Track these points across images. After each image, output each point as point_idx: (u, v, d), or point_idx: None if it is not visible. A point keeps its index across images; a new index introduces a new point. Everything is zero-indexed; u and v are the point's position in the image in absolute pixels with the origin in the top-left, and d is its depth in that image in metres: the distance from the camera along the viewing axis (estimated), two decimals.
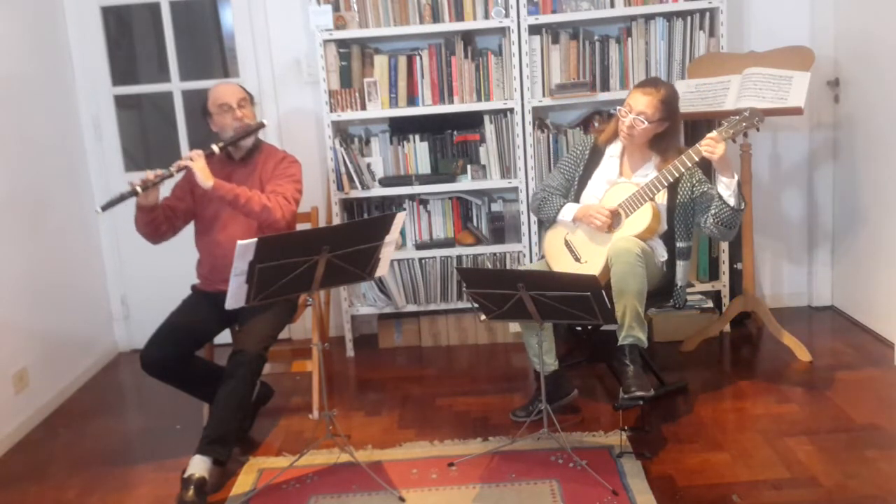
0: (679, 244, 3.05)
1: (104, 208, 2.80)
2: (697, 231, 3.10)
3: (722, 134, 2.88)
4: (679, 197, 3.01)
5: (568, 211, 3.11)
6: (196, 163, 2.87)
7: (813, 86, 3.44)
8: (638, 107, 2.95)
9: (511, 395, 3.39)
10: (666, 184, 2.92)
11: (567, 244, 3.10)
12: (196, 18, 4.53)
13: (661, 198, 3.00)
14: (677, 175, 2.91)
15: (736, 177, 2.90)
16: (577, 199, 3.16)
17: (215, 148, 2.97)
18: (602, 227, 2.98)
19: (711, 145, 2.82)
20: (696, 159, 2.88)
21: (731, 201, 2.89)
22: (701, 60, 3.71)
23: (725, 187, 2.89)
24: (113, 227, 4.22)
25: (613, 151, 3.12)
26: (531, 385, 3.50)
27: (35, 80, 3.75)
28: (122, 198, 2.82)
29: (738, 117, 2.92)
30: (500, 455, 2.86)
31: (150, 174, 2.88)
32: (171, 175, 2.90)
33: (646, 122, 2.94)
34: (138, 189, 2.84)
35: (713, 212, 2.93)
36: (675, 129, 3.04)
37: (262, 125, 3.10)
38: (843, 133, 4.00)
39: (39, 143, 3.74)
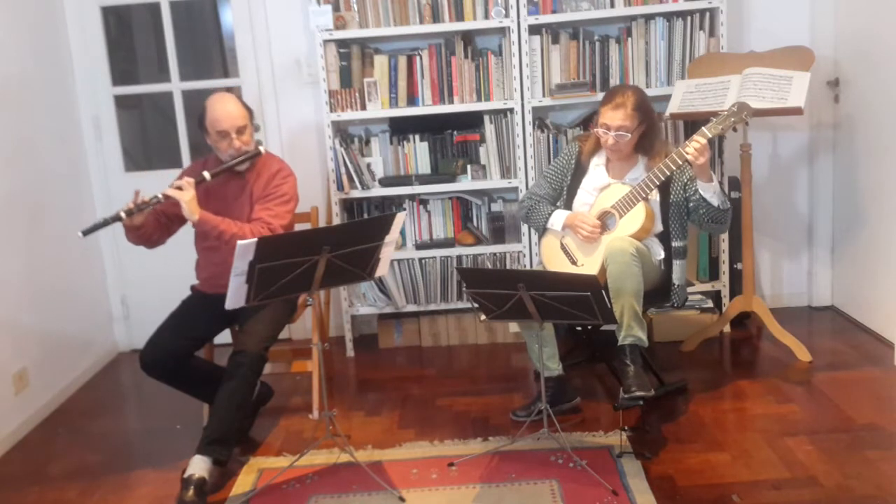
0: (675, 244, 3.05)
1: (86, 233, 2.77)
2: (692, 227, 3.10)
3: (711, 131, 2.88)
4: (672, 196, 3.02)
5: (557, 219, 3.11)
6: (185, 193, 2.81)
7: (813, 86, 3.44)
8: (615, 122, 2.94)
9: (511, 395, 3.39)
10: (658, 182, 2.93)
11: (563, 248, 3.11)
12: (196, 18, 4.54)
13: (654, 198, 3.00)
14: (668, 173, 2.91)
15: (714, 180, 2.91)
16: (567, 208, 3.16)
17: (207, 175, 2.91)
18: (589, 238, 2.99)
19: (695, 154, 2.81)
20: (685, 158, 2.88)
21: (714, 202, 2.91)
22: (701, 60, 3.71)
23: (705, 190, 2.90)
24: (113, 227, 4.21)
25: (599, 161, 3.13)
26: (531, 385, 3.50)
27: (35, 80, 3.75)
28: (105, 223, 2.79)
29: (725, 113, 2.92)
30: (500, 455, 2.86)
31: (136, 200, 2.83)
32: (158, 202, 2.85)
33: (628, 135, 2.95)
34: (122, 215, 2.80)
35: (702, 211, 2.95)
36: (653, 127, 3.03)
37: (258, 153, 3.02)
38: (842, 133, 4.00)
39: (39, 143, 3.74)
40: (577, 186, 3.14)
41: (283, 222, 2.99)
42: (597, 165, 3.12)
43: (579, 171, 3.16)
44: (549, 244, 3.17)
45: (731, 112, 2.90)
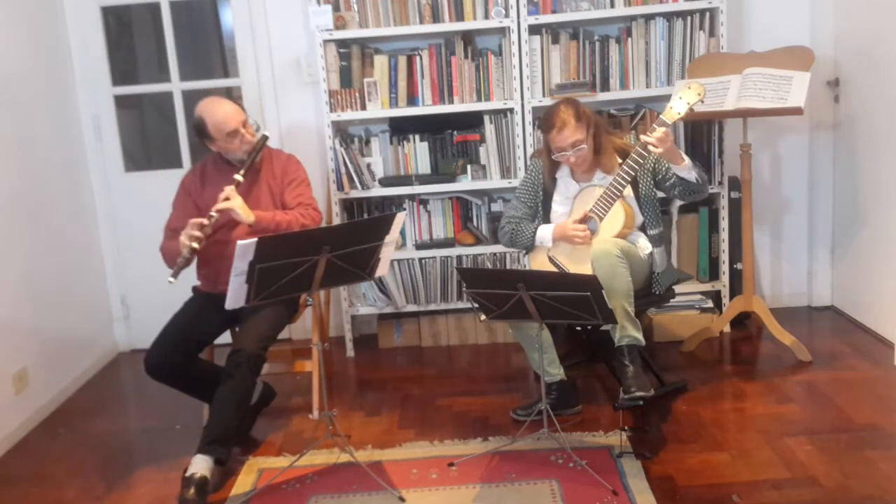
0: (650, 231, 3.08)
1: (175, 275, 2.81)
2: (672, 199, 3.10)
3: (669, 118, 2.88)
4: (641, 186, 3.05)
5: (545, 234, 3.11)
6: (235, 201, 2.86)
7: (813, 86, 3.44)
8: (568, 141, 2.94)
9: (511, 395, 3.39)
10: (629, 179, 2.94)
11: (551, 260, 3.10)
12: (196, 18, 4.53)
13: (628, 192, 3.02)
14: (636, 167, 2.93)
15: (686, 160, 2.92)
16: (546, 222, 3.17)
17: (239, 178, 2.95)
18: (585, 242, 2.99)
19: (658, 143, 2.80)
20: (648, 152, 2.88)
21: (691, 178, 2.94)
22: (701, 60, 3.71)
23: (680, 171, 2.93)
24: (113, 227, 4.23)
25: (563, 173, 3.14)
26: (531, 385, 3.50)
27: (35, 80, 3.75)
28: (186, 262, 2.84)
29: (679, 97, 2.91)
30: (500, 455, 2.86)
31: (198, 229, 2.81)
32: (216, 220, 2.87)
33: (585, 146, 2.96)
34: (196, 245, 2.82)
35: (680, 188, 2.99)
36: (598, 127, 3.05)
37: (266, 138, 3.08)
38: (843, 133, 4.00)
39: (39, 143, 3.74)
40: (551, 199, 3.16)
41: (316, 204, 3.13)
42: (563, 177, 3.14)
43: (549, 181, 3.17)
44: (536, 259, 3.16)
45: (685, 93, 2.90)
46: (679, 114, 2.90)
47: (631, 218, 3.01)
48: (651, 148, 2.83)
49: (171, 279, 2.80)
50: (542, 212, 3.18)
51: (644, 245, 3.06)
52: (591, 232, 3.00)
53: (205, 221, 2.84)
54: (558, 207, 3.13)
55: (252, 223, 2.89)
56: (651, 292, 3.09)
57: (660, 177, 3.04)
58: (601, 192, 2.96)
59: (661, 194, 3.15)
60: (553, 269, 3.09)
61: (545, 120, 3.02)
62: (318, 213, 3.10)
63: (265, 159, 3.14)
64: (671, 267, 3.20)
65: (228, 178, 3.05)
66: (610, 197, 2.95)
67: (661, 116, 2.91)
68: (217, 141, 3.02)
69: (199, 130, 3.03)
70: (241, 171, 2.97)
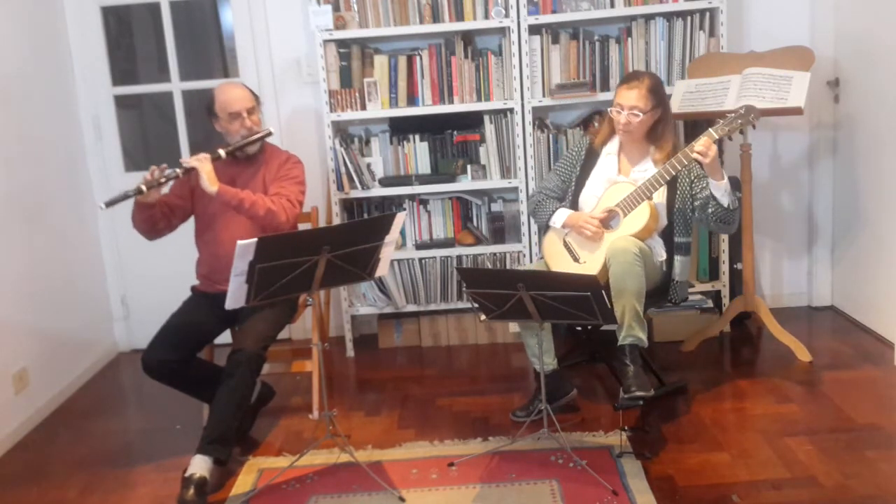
0: (677, 239, 3.06)
1: (108, 205, 2.78)
2: (697, 225, 3.11)
3: (717, 132, 2.89)
4: (679, 192, 3.03)
5: (559, 217, 3.13)
6: (203, 166, 2.86)
7: (813, 86, 3.44)
8: (629, 102, 2.98)
9: (511, 395, 3.39)
10: (664, 182, 2.94)
11: (566, 245, 3.11)
12: (196, 18, 4.53)
13: (661, 195, 3.01)
14: (674, 173, 2.93)
15: (725, 178, 2.92)
16: (574, 200, 3.17)
17: (222, 153, 2.96)
18: (593, 238, 2.99)
19: (704, 150, 2.82)
20: (691, 158, 2.89)
21: (724, 201, 2.92)
22: (701, 60, 3.71)
23: (716, 188, 2.91)
24: (113, 226, 4.22)
25: (611, 149, 3.15)
26: (531, 385, 3.50)
27: (35, 80, 3.75)
28: (125, 196, 2.81)
29: (733, 115, 2.93)
30: (500, 455, 2.86)
31: (154, 172, 2.86)
32: (177, 176, 2.89)
33: (640, 115, 2.97)
34: (143, 188, 2.82)
35: (710, 210, 2.95)
36: (667, 116, 3.07)
37: (269, 133, 3.10)
38: (843, 133, 4.00)
39: (39, 143, 3.74)
40: (587, 177, 3.16)
41: (300, 199, 3.08)
42: (608, 154, 3.15)
43: (590, 159, 3.18)
44: (551, 241, 3.18)
45: (738, 115, 2.91)
46: (728, 132, 2.91)
47: (655, 221, 2.99)
48: (696, 156, 2.83)
49: (101, 205, 2.79)
50: (576, 186, 3.18)
51: (659, 253, 3.06)
52: (607, 227, 3.00)
53: (167, 171, 2.86)
54: (591, 186, 3.13)
55: (214, 192, 2.86)
56: (668, 299, 3.11)
57: (696, 191, 3.01)
58: (633, 190, 2.97)
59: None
60: (566, 252, 3.09)
61: (626, 75, 3.11)
62: (294, 207, 3.02)
63: (268, 157, 3.15)
64: (688, 282, 3.21)
65: (236, 171, 3.09)
66: (639, 196, 2.95)
67: (710, 129, 2.90)
68: (220, 120, 3.06)
69: (208, 107, 3.09)
70: (227, 149, 2.98)
